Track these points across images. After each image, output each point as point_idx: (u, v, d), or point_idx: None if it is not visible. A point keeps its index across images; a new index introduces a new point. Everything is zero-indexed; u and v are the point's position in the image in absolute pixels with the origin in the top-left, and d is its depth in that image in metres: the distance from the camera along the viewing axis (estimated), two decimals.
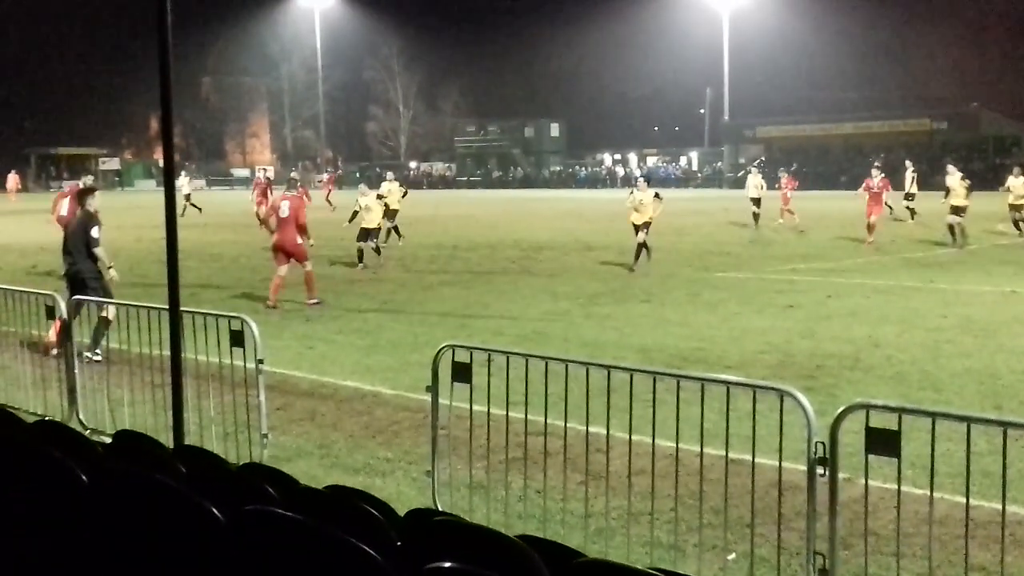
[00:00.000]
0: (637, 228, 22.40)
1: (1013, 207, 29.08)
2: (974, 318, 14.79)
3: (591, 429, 6.16)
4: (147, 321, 8.64)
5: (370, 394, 10.49)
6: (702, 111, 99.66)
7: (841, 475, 5.13)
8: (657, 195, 23.06)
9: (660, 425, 5.78)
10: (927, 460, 4.90)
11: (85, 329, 10.87)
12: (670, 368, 9.81)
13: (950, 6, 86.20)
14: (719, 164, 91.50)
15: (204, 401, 8.36)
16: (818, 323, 14.56)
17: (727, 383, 5.83)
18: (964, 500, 4.87)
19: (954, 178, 27.82)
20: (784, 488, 5.57)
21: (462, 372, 6.51)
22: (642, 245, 22.14)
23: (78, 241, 12.52)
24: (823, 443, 5.04)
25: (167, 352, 7.41)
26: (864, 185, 29.10)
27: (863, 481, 5.13)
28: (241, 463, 6.05)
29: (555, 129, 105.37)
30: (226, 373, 8.13)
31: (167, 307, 7.31)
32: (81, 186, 21.47)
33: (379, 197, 24.06)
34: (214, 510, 3.30)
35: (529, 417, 6.28)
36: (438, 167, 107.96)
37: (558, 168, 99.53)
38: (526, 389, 6.24)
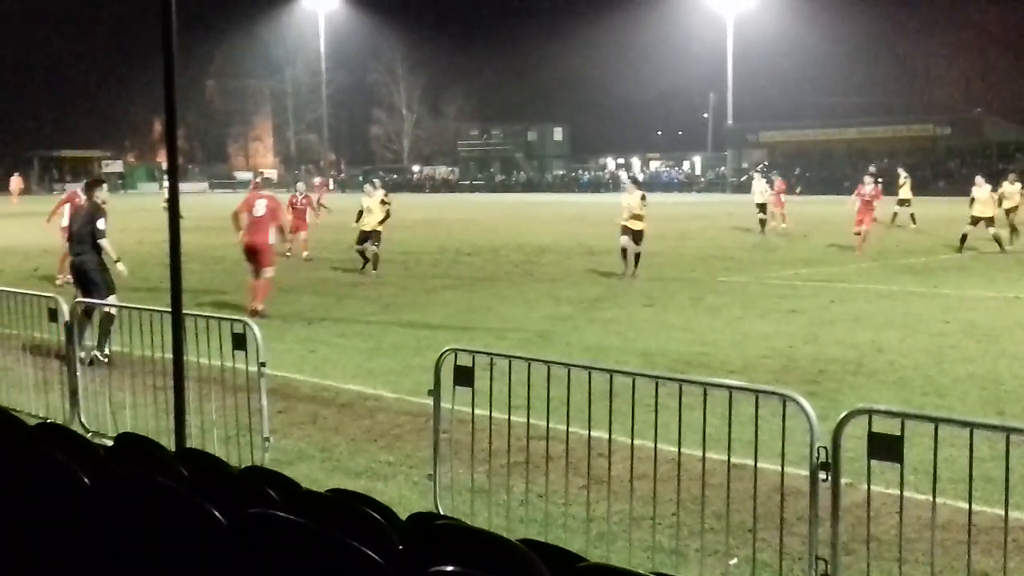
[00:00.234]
0: (632, 236, 21.25)
1: (1008, 212, 29.02)
2: (977, 323, 14.78)
3: (593, 433, 6.16)
4: (149, 324, 8.64)
5: (372, 398, 10.49)
6: (705, 115, 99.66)
7: (843, 480, 5.13)
8: (643, 197, 21.80)
9: (662, 429, 5.78)
10: (930, 465, 4.90)
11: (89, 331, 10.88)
12: (672, 372, 9.81)
13: (954, 11, 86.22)
14: (722, 169, 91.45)
15: (206, 404, 8.36)
16: (821, 328, 14.55)
17: (729, 388, 5.83)
18: (967, 506, 4.86)
19: (982, 190, 27.62)
20: (786, 493, 5.57)
21: (464, 376, 6.51)
22: (634, 256, 21.25)
23: (84, 232, 12.54)
24: (825, 448, 5.04)
25: (169, 355, 7.42)
26: (856, 191, 28.56)
27: (865, 486, 5.12)
28: (243, 466, 6.04)
29: (558, 133, 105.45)
30: (228, 376, 8.14)
31: (169, 310, 7.32)
32: (80, 191, 21.54)
33: (383, 202, 23.02)
34: (216, 513, 3.30)
35: (531, 421, 6.27)
36: (441, 171, 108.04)
37: (561, 172, 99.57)
38: (528, 393, 6.24)
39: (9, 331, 10.44)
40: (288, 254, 25.98)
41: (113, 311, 11.20)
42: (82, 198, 20.78)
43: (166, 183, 41.43)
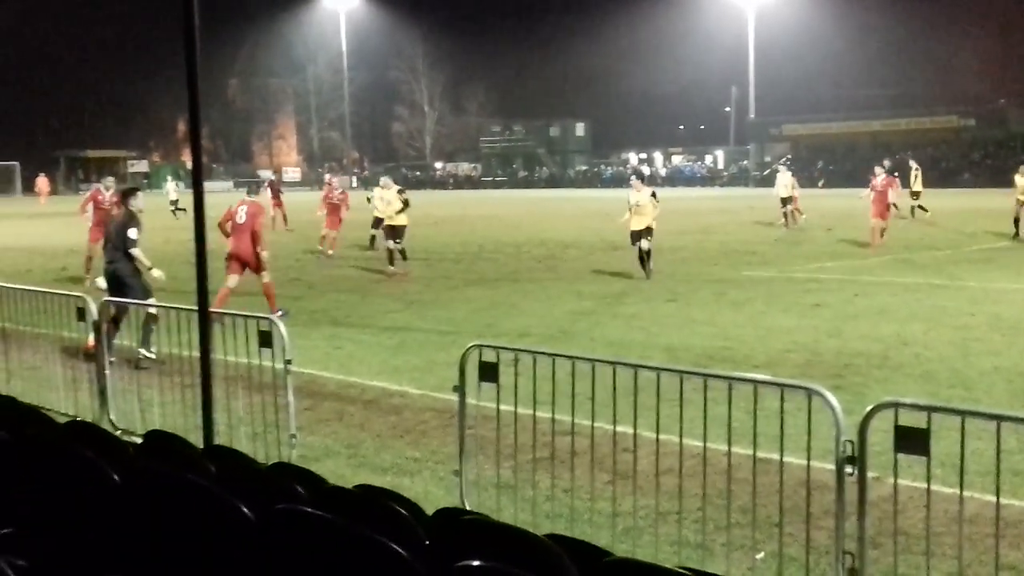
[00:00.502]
0: (637, 235, 20.19)
1: (1021, 202, 28.26)
2: (1003, 316, 14.68)
3: (618, 428, 6.16)
4: (176, 322, 8.71)
5: (397, 394, 10.52)
6: (728, 109, 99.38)
7: (870, 474, 5.11)
8: (653, 195, 20.64)
9: (687, 424, 5.78)
10: (957, 459, 4.88)
11: (127, 330, 10.94)
12: (697, 367, 9.79)
13: (977, 2, 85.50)
14: (745, 162, 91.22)
15: (233, 401, 8.41)
16: (845, 322, 14.49)
17: (755, 382, 5.82)
18: (994, 499, 4.84)
19: None
20: (812, 487, 5.56)
21: (489, 372, 6.52)
22: (646, 253, 20.10)
23: (118, 241, 12.59)
24: (851, 442, 5.02)
25: (196, 353, 7.47)
26: (870, 185, 27.61)
27: (892, 480, 5.10)
28: (270, 463, 6.09)
29: (580, 128, 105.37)
30: (255, 374, 8.19)
31: (196, 308, 7.37)
32: (102, 188, 21.66)
33: (400, 191, 22.80)
34: (244, 509, 3.33)
35: (556, 417, 6.28)
36: (463, 167, 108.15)
37: (583, 167, 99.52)
38: (553, 389, 6.25)
39: (38, 330, 10.53)
40: (330, 252, 26.11)
41: (155, 311, 11.25)
42: (104, 195, 20.96)
43: (168, 183, 41.44)
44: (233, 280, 15.62)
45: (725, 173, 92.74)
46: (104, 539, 3.60)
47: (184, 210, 42.65)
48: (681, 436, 5.84)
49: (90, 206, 21.36)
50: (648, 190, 20.69)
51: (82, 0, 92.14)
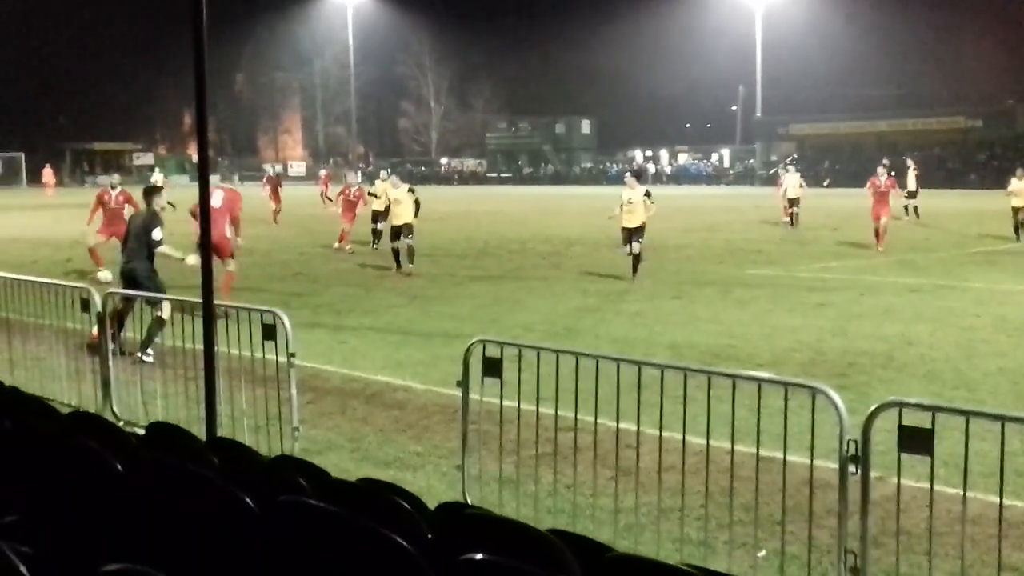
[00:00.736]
0: (628, 234, 19.40)
1: (1017, 210, 27.69)
2: (1008, 317, 14.66)
3: (621, 425, 6.15)
4: (180, 315, 8.72)
5: (401, 388, 10.53)
6: (734, 108, 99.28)
7: (873, 473, 5.10)
8: (648, 194, 19.86)
9: (691, 422, 5.77)
10: (960, 459, 4.87)
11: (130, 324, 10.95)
12: (701, 365, 9.78)
13: (985, 2, 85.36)
14: (751, 161, 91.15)
15: (236, 394, 8.42)
16: (850, 321, 14.47)
17: (758, 380, 5.82)
18: (997, 499, 4.83)
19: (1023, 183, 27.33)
20: (815, 486, 5.55)
21: (492, 367, 6.52)
22: (635, 257, 19.29)
23: (139, 240, 12.25)
24: (855, 441, 5.01)
25: (200, 346, 7.48)
26: (870, 184, 26.60)
27: (895, 479, 5.10)
28: (273, 455, 6.09)
29: (586, 126, 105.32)
30: (258, 367, 8.19)
31: (200, 301, 7.38)
32: (108, 187, 21.47)
33: (410, 191, 22.17)
34: (248, 500, 3.33)
35: (559, 413, 6.28)
36: (469, 163, 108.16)
37: (589, 165, 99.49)
38: (556, 384, 6.24)
39: (42, 321, 10.54)
40: (345, 246, 26.07)
41: (165, 316, 11.15)
42: (111, 194, 20.83)
43: (154, 174, 41.23)
44: (231, 264, 15.59)
45: (731, 172, 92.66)
46: (107, 529, 3.60)
47: (172, 204, 42.36)
48: (684, 433, 5.84)
49: (99, 212, 20.98)
50: (642, 189, 20.09)
51: None
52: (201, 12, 6.71)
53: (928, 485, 4.99)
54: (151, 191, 13.00)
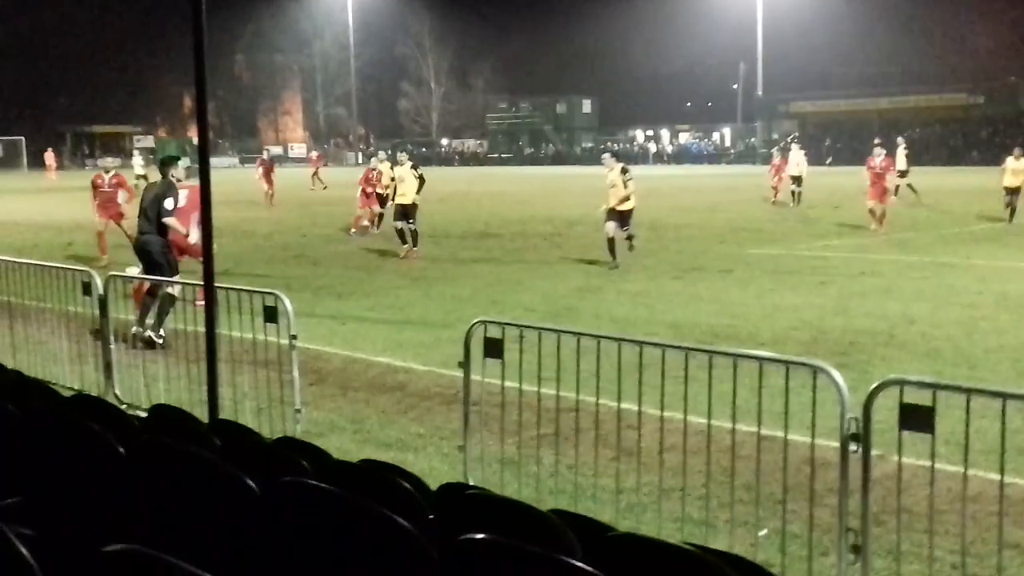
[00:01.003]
0: (618, 216, 18.58)
1: (1009, 190, 26.49)
2: (1010, 294, 14.66)
3: (623, 405, 6.16)
4: (182, 298, 8.73)
5: (402, 370, 10.54)
6: (735, 86, 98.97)
7: (874, 452, 5.10)
8: (625, 171, 18.86)
9: (692, 401, 5.77)
10: (961, 437, 4.88)
11: (121, 305, 10.95)
12: (702, 344, 9.78)
13: None
14: (752, 140, 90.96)
15: (238, 376, 8.43)
16: (851, 300, 14.47)
17: (760, 359, 5.82)
18: (998, 477, 4.84)
19: (1020, 162, 26.82)
20: (816, 464, 5.56)
21: (494, 348, 6.52)
22: (628, 239, 18.77)
23: (151, 211, 12.06)
24: (856, 419, 5.02)
25: (201, 328, 7.48)
26: (867, 164, 25.98)
27: (896, 458, 5.10)
28: (275, 437, 6.11)
29: (587, 105, 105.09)
30: (260, 349, 8.20)
31: (202, 283, 7.38)
32: (102, 172, 21.08)
33: (414, 167, 21.35)
34: (250, 482, 3.34)
35: (561, 393, 6.29)
36: (470, 144, 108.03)
37: (590, 144, 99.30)
38: (558, 365, 6.25)
39: (44, 304, 10.55)
40: (376, 230, 25.89)
41: (176, 292, 11.12)
42: (104, 178, 20.70)
43: (135, 157, 40.87)
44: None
45: (732, 151, 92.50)
46: (110, 510, 3.61)
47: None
48: (685, 413, 5.84)
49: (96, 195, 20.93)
50: (619, 167, 18.95)
51: None
52: None
53: (929, 463, 4.99)
54: (167, 161, 12.68)
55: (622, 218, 18.63)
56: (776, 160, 36.77)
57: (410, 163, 21.64)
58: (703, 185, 49.71)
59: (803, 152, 35.72)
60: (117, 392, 9.28)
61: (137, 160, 48.46)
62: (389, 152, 28.35)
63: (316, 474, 3.81)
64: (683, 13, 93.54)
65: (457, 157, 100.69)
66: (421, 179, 21.35)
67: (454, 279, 17.43)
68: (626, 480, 6.42)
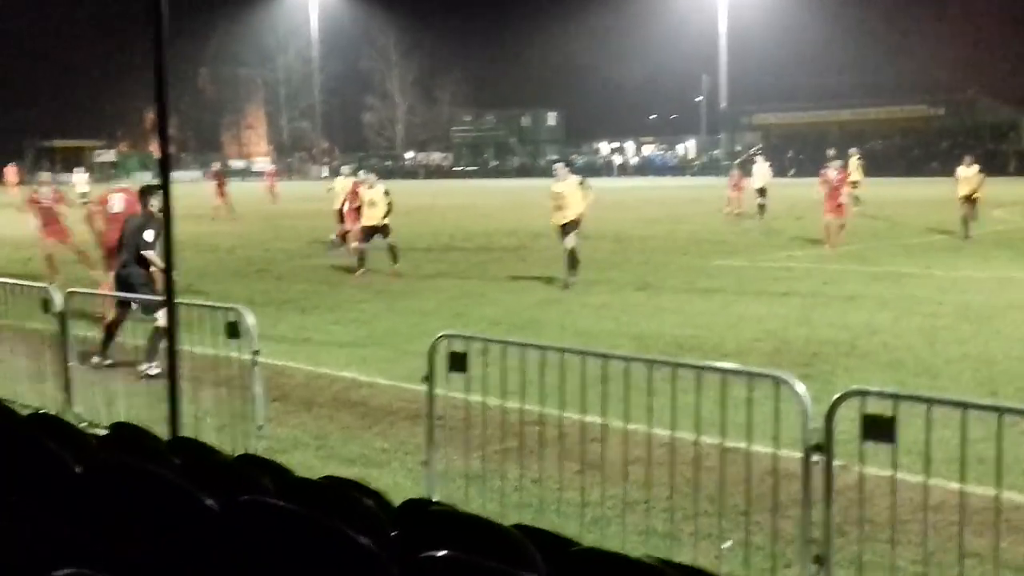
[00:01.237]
0: (563, 229, 17.88)
1: (964, 200, 25.76)
2: (971, 304, 14.80)
3: (587, 418, 6.16)
4: (142, 314, 8.63)
5: (366, 385, 10.49)
6: (699, 99, 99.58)
7: (837, 462, 5.13)
8: (582, 182, 18.46)
9: (656, 414, 5.78)
10: (923, 446, 4.91)
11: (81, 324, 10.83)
12: (666, 356, 9.80)
13: None
14: (716, 152, 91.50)
15: (200, 393, 8.36)
16: (814, 310, 14.56)
17: (723, 371, 5.83)
18: (959, 487, 4.87)
19: (971, 170, 26.62)
20: (780, 476, 5.57)
21: (458, 362, 6.50)
22: (570, 254, 17.82)
23: (132, 243, 11.62)
24: (819, 430, 5.04)
25: (162, 344, 7.41)
26: (821, 177, 25.30)
27: (859, 468, 5.13)
28: (237, 455, 6.05)
29: (552, 118, 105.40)
30: (222, 365, 8.13)
31: (163, 299, 7.31)
32: (39, 189, 20.07)
33: (386, 192, 20.56)
34: (208, 501, 3.30)
35: (525, 407, 6.28)
36: (435, 157, 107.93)
37: (555, 157, 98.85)
38: (522, 378, 6.24)
39: (2, 321, 10.41)
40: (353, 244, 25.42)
41: (164, 324, 10.73)
42: (41, 194, 19.77)
43: (76, 174, 39.52)
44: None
45: (696, 162, 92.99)
46: (65, 530, 3.56)
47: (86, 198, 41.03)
48: (650, 426, 5.85)
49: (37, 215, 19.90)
50: (575, 179, 18.45)
51: None
52: (162, 7, 6.64)
53: (891, 473, 5.02)
54: (148, 191, 11.94)
55: (570, 227, 17.92)
56: (735, 174, 36.81)
57: (383, 186, 20.92)
58: (667, 197, 49.94)
59: (767, 164, 35.88)
60: (77, 410, 9.17)
61: (80, 177, 45.45)
62: (353, 168, 28.07)
63: (277, 492, 3.77)
64: (647, 25, 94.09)
65: (422, 170, 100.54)
66: (390, 206, 20.44)
67: (418, 293, 17.39)
68: (591, 493, 6.41)
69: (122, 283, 11.73)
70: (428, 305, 15.92)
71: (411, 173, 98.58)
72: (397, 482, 7.25)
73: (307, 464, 7.60)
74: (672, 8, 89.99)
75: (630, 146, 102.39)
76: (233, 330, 7.78)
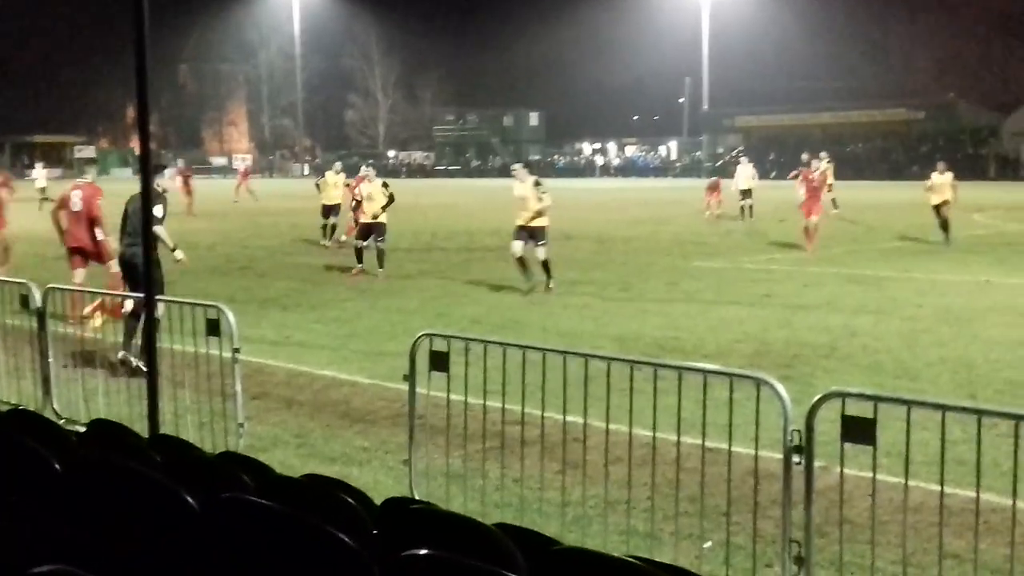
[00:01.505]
0: (526, 233, 16.94)
1: (937, 208, 25.15)
2: (950, 307, 14.88)
3: (568, 418, 6.16)
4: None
5: (347, 383, 10.46)
6: (681, 100, 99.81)
7: (817, 463, 5.15)
8: (538, 183, 17.20)
9: (637, 414, 5.78)
10: (902, 448, 4.93)
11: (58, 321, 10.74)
12: (647, 357, 9.82)
13: None
14: (698, 153, 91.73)
15: (180, 390, 8.32)
16: (795, 312, 14.61)
17: (704, 372, 5.84)
18: (939, 488, 4.89)
19: (944, 177, 26.45)
20: (760, 476, 5.59)
21: (439, 361, 6.50)
22: (545, 263, 16.92)
23: (138, 221, 11.03)
24: (799, 431, 5.05)
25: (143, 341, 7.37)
26: (801, 177, 24.74)
27: (839, 469, 5.15)
28: (217, 452, 6.02)
29: (534, 118, 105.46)
30: (202, 362, 8.10)
31: (143, 296, 7.27)
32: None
33: (384, 185, 19.97)
34: (189, 498, 3.28)
35: (506, 406, 6.27)
36: (417, 156, 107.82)
37: (537, 157, 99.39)
38: (503, 378, 6.23)
39: None
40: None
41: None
42: (9, 188, 19.60)
43: (36, 169, 38.80)
44: (80, 275, 13.74)
45: (678, 164, 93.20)
46: (44, 528, 3.53)
47: (46, 198, 40.21)
48: (631, 426, 5.85)
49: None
50: (532, 179, 17.26)
51: None
52: (143, 2, 6.60)
53: (871, 474, 5.04)
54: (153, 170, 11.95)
55: (533, 235, 16.92)
56: (714, 180, 36.75)
57: (381, 180, 20.47)
58: (649, 198, 50.01)
59: (752, 165, 35.79)
60: (55, 407, 9.11)
61: (40, 172, 43.64)
62: (340, 165, 28.18)
63: (258, 490, 3.76)
64: (630, 27, 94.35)
65: (404, 169, 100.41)
66: (391, 197, 19.99)
67: (400, 292, 17.36)
68: (572, 493, 6.42)
69: (126, 264, 11.54)
70: (410, 304, 15.89)
71: (393, 172, 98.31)
72: (378, 481, 7.24)
73: (288, 462, 7.58)
74: (655, 10, 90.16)
75: (612, 147, 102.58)
76: (213, 327, 7.75)
